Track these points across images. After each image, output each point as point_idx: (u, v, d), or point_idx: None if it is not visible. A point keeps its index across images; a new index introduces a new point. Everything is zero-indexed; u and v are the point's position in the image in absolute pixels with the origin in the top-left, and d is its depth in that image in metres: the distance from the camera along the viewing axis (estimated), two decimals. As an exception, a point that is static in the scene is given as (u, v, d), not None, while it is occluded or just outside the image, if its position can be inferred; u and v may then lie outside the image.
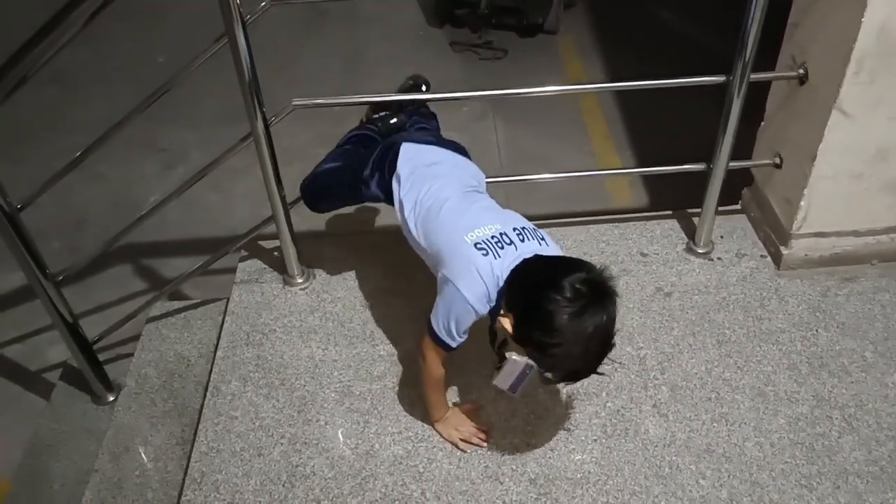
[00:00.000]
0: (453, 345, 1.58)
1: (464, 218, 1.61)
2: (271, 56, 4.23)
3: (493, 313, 1.57)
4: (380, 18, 4.52)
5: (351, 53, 4.31)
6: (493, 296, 1.53)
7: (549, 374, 1.49)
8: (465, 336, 1.58)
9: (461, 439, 1.74)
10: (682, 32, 4.28)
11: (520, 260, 1.53)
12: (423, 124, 2.08)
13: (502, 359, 1.68)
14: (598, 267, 1.45)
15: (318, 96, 1.92)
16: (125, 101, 1.84)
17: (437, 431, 1.76)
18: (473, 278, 1.51)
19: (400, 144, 1.78)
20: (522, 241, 1.59)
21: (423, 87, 2.21)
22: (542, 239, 1.63)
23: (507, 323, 1.48)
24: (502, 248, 1.55)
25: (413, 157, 1.76)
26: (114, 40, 4.42)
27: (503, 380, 1.77)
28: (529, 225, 1.66)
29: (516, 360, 1.76)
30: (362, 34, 4.47)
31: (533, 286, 1.45)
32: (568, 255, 1.58)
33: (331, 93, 3.65)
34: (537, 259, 1.53)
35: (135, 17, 4.53)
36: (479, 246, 1.54)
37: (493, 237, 1.56)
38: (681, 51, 3.95)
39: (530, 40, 4.34)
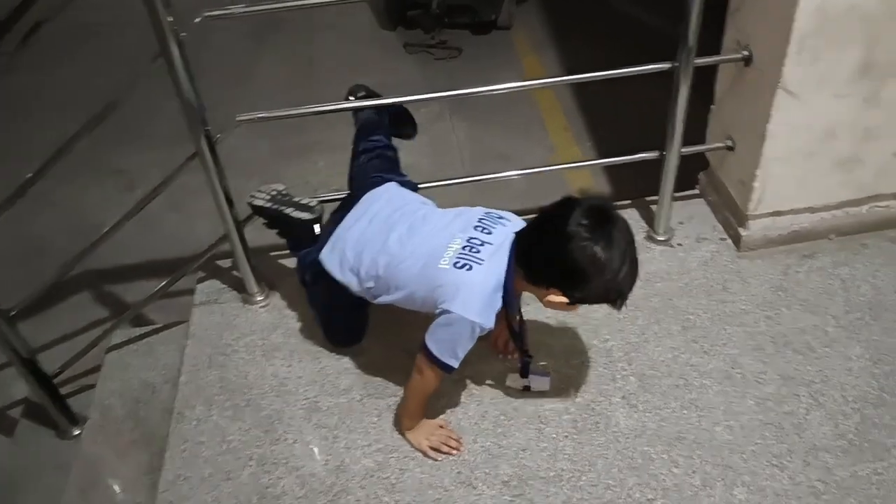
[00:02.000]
0: (456, 365, 1.57)
1: (426, 253, 1.59)
2: (225, 69, 4.18)
3: (508, 304, 1.57)
4: (332, 24, 4.48)
5: (306, 61, 4.27)
6: (498, 299, 1.53)
7: (617, 304, 1.51)
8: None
9: (431, 447, 1.72)
10: (636, 19, 4.29)
11: (502, 250, 1.54)
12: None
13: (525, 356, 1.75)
14: (579, 195, 1.48)
15: (263, 110, 1.89)
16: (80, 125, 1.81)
17: (407, 440, 1.75)
18: (471, 297, 1.51)
19: (321, 266, 1.76)
20: (490, 232, 1.59)
21: (357, 96, 2.14)
22: (501, 217, 1.64)
23: (556, 297, 1.50)
24: (479, 252, 1.55)
25: (339, 262, 1.73)
26: (64, 64, 4.34)
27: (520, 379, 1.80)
28: (481, 211, 1.66)
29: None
30: (316, 41, 4.43)
31: (549, 252, 1.46)
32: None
33: (286, 103, 3.62)
34: (525, 232, 1.55)
35: (83, 38, 4.46)
36: (458, 265, 1.54)
37: (464, 248, 1.56)
38: (636, 37, 3.95)
39: (484, 37, 4.33)
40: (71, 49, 4.28)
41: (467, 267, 1.53)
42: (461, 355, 1.57)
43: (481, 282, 1.52)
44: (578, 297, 1.50)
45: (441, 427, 1.76)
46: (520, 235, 1.56)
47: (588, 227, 1.41)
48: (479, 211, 1.66)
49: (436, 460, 1.71)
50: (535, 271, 1.52)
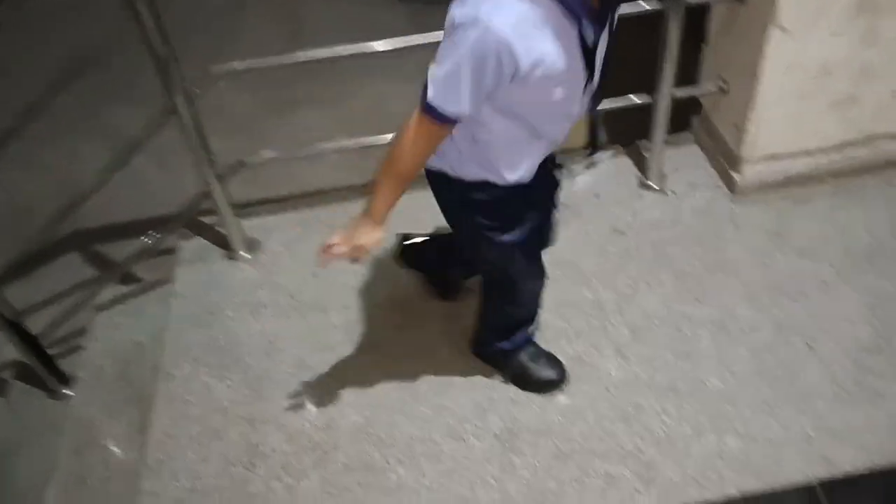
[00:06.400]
0: (458, 111, 1.08)
1: None
2: (207, 32, 4.06)
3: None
4: (322, -24, 4.34)
5: (292, 18, 4.15)
6: (540, 34, 1.03)
7: None
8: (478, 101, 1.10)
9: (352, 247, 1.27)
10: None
11: None
12: None
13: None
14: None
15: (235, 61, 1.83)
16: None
17: (352, 225, 1.27)
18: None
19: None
20: None
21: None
22: None
23: None
24: None
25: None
26: (46, 21, 4.24)
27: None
28: None
29: None
30: (303, -2, 4.30)
31: None
32: None
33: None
34: None
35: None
36: None
37: None
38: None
39: (478, -19, 4.20)
40: (59, 11, 4.15)
41: None
42: (467, 96, 1.06)
43: None
44: None
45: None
46: None
47: None
48: None
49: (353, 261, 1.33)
50: None
